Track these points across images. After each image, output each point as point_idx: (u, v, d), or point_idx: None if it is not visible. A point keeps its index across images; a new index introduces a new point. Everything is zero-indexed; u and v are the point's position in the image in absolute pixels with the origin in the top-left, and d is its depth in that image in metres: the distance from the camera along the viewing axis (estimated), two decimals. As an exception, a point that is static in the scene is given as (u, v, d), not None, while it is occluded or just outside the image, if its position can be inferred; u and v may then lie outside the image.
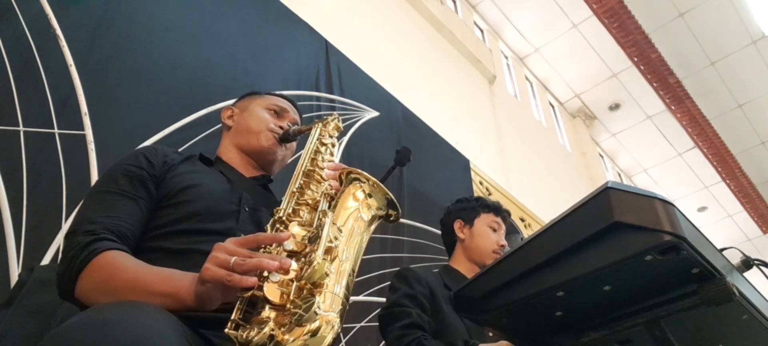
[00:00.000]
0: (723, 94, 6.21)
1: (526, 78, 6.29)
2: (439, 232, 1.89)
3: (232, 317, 0.72)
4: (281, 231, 0.88)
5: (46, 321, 0.99)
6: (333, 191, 0.98)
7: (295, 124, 1.28)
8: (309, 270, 0.75)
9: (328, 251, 0.80)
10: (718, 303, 0.69)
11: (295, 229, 0.89)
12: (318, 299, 0.73)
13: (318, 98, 2.84)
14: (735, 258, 0.82)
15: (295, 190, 0.99)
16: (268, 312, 0.71)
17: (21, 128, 1.63)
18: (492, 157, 4.42)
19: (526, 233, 3.94)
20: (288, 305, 0.72)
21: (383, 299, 2.35)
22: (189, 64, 2.26)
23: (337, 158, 1.16)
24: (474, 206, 1.75)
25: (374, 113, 3.18)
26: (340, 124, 1.26)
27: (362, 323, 2.32)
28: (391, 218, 0.98)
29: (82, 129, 1.76)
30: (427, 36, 4.58)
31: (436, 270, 1.73)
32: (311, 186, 1.02)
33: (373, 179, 0.96)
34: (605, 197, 0.72)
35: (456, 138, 3.86)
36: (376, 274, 2.49)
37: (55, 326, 0.89)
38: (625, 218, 0.69)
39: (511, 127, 5.13)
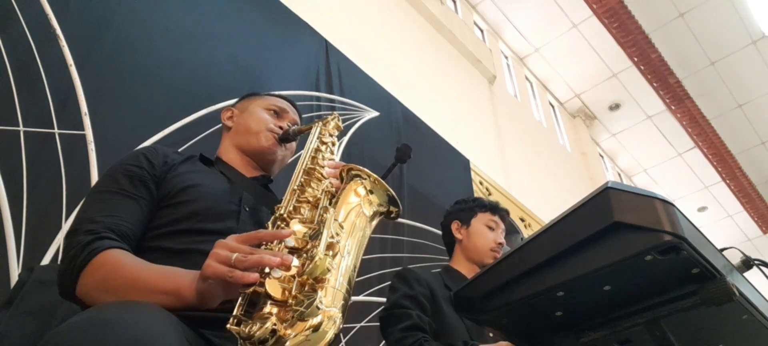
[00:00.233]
0: (723, 94, 6.21)
1: (526, 78, 6.29)
2: (439, 232, 1.89)
3: (234, 313, 0.72)
4: (282, 228, 0.89)
5: (46, 321, 0.99)
6: (334, 189, 0.99)
7: (295, 125, 1.29)
8: (311, 265, 0.75)
9: (329, 246, 0.80)
10: (718, 303, 0.69)
11: (296, 226, 0.89)
12: (320, 294, 0.73)
13: (318, 98, 2.84)
14: (735, 258, 0.82)
15: (295, 188, 1.00)
16: (269, 308, 0.71)
17: (21, 128, 1.63)
18: (492, 157, 4.42)
19: (526, 233, 3.95)
20: (290, 301, 0.72)
21: (383, 299, 2.35)
22: (189, 64, 2.26)
23: (337, 158, 1.16)
24: (470, 207, 1.77)
25: (374, 113, 3.18)
26: (340, 124, 1.26)
27: (362, 323, 2.32)
28: (392, 215, 0.99)
29: (82, 129, 1.76)
30: (427, 36, 4.58)
31: (437, 270, 1.74)
32: (312, 184, 1.02)
33: (374, 175, 0.96)
34: (605, 197, 0.72)
35: (456, 138, 3.86)
36: (376, 274, 2.49)
37: (55, 326, 0.89)
38: (626, 218, 0.69)
39: (511, 127, 5.13)
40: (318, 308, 0.71)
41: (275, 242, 0.81)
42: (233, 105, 1.35)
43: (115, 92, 1.93)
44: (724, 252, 0.77)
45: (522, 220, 4.20)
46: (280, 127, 1.25)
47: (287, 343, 0.68)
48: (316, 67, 2.94)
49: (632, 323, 0.77)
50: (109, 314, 0.62)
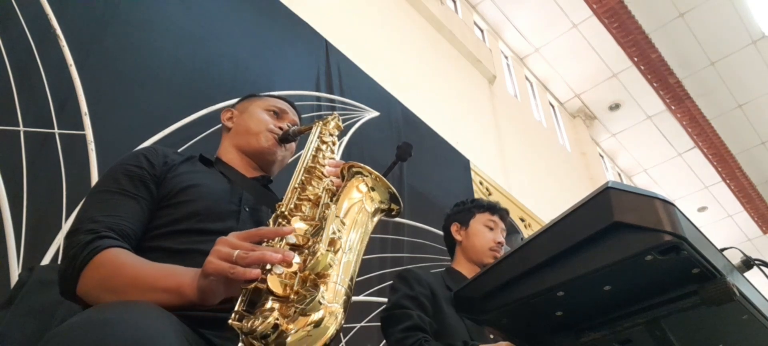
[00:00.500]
0: (723, 94, 6.21)
1: (526, 78, 6.29)
2: (439, 232, 1.90)
3: (236, 308, 0.72)
4: (284, 225, 0.89)
5: (46, 321, 0.99)
6: (334, 187, 0.99)
7: (295, 125, 1.29)
8: (312, 261, 0.75)
9: (331, 242, 0.80)
10: (719, 303, 0.69)
11: (297, 223, 0.89)
12: (322, 289, 0.73)
13: (318, 98, 2.84)
14: (735, 258, 0.82)
15: (296, 185, 1.00)
16: (271, 304, 0.71)
17: (21, 128, 1.63)
18: (492, 157, 4.42)
19: (526, 233, 3.95)
20: (292, 297, 0.72)
21: (383, 299, 2.35)
22: (189, 64, 2.26)
23: (337, 157, 1.16)
24: (469, 208, 1.79)
25: (374, 113, 3.18)
26: (340, 123, 1.26)
27: (362, 323, 2.32)
28: (393, 213, 0.99)
29: (82, 129, 1.76)
30: (427, 36, 4.58)
31: (438, 270, 1.74)
32: (313, 182, 1.03)
33: (376, 172, 0.96)
34: (605, 197, 0.72)
35: (456, 138, 3.86)
36: (376, 274, 2.49)
37: (55, 326, 0.89)
38: (626, 218, 0.69)
39: (511, 127, 5.13)
40: (320, 304, 0.71)
41: (277, 239, 0.81)
42: (233, 106, 1.35)
43: (115, 92, 1.93)
44: (724, 252, 0.77)
45: (522, 220, 4.20)
46: (280, 128, 1.26)
47: (289, 338, 0.68)
48: (316, 67, 2.94)
49: (632, 323, 0.77)
50: (109, 314, 0.62)
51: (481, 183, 3.93)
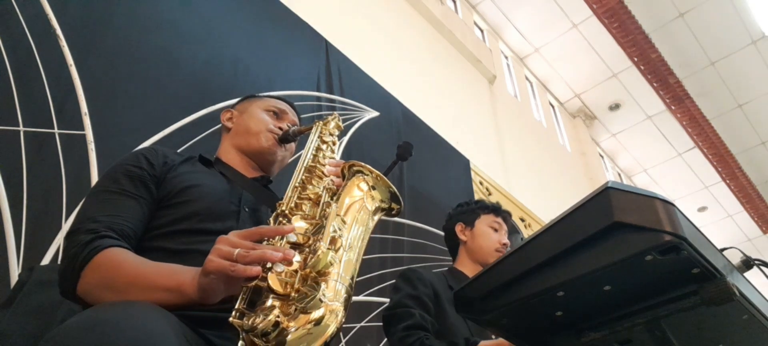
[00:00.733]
0: (723, 94, 6.21)
1: (526, 78, 6.29)
2: (439, 232, 1.90)
3: (237, 306, 0.72)
4: (284, 224, 0.89)
5: (47, 321, 0.99)
6: (335, 187, 0.99)
7: (294, 126, 1.29)
8: (313, 259, 0.75)
9: (332, 241, 0.80)
10: (719, 303, 0.69)
11: (298, 222, 0.89)
12: (323, 287, 0.73)
13: (318, 98, 2.84)
14: (735, 258, 0.82)
15: (297, 184, 1.00)
16: (272, 302, 0.71)
17: (21, 128, 1.63)
18: (492, 157, 4.43)
19: (526, 233, 3.95)
20: (292, 294, 0.72)
21: (383, 299, 2.35)
22: (189, 64, 2.26)
23: (337, 157, 1.16)
24: (474, 209, 1.78)
25: (374, 113, 3.18)
26: (341, 123, 1.27)
27: (362, 323, 2.32)
28: (394, 212, 0.99)
29: (82, 129, 1.76)
30: (427, 36, 4.58)
31: (440, 270, 1.75)
32: (313, 182, 1.03)
33: (377, 171, 0.96)
34: (605, 197, 0.72)
35: (456, 138, 3.86)
36: (377, 274, 2.49)
37: (55, 326, 0.89)
38: (626, 218, 0.69)
39: (511, 127, 5.13)
40: (320, 302, 0.71)
41: (277, 237, 0.81)
42: (233, 106, 1.35)
43: (115, 92, 1.93)
44: (724, 252, 0.77)
45: (522, 220, 4.20)
46: (280, 128, 1.26)
47: (289, 336, 0.68)
48: (316, 67, 2.95)
49: (632, 323, 0.77)
50: (109, 314, 0.62)
51: (481, 183, 3.93)
